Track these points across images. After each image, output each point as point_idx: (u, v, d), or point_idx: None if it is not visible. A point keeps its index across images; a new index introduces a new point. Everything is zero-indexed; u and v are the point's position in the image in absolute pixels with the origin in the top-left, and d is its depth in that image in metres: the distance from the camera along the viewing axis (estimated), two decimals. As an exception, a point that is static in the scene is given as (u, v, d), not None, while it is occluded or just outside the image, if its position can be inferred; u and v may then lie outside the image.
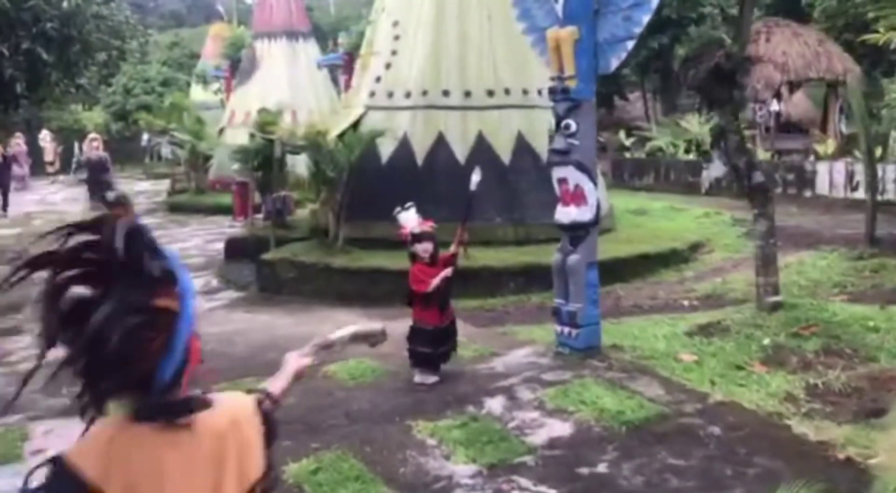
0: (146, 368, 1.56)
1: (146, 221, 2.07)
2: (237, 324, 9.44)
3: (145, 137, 34.88)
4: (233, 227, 17.63)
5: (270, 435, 1.76)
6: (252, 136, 13.29)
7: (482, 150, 11.40)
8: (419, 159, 11.46)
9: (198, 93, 32.24)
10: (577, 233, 6.70)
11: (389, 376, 6.59)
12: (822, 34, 23.51)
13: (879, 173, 15.81)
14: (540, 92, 11.83)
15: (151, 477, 1.57)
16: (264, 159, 12.98)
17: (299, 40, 23.46)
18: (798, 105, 27.51)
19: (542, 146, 11.58)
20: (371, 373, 6.66)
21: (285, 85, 22.02)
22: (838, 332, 7.13)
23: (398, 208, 6.38)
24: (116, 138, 38.21)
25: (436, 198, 11.22)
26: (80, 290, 1.55)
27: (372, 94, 12.10)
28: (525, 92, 11.74)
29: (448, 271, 6.17)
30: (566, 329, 6.80)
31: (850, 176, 15.73)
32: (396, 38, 12.03)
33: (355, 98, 12.65)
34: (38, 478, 1.58)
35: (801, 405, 5.57)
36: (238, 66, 24.71)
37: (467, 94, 11.59)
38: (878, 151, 17.26)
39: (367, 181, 11.31)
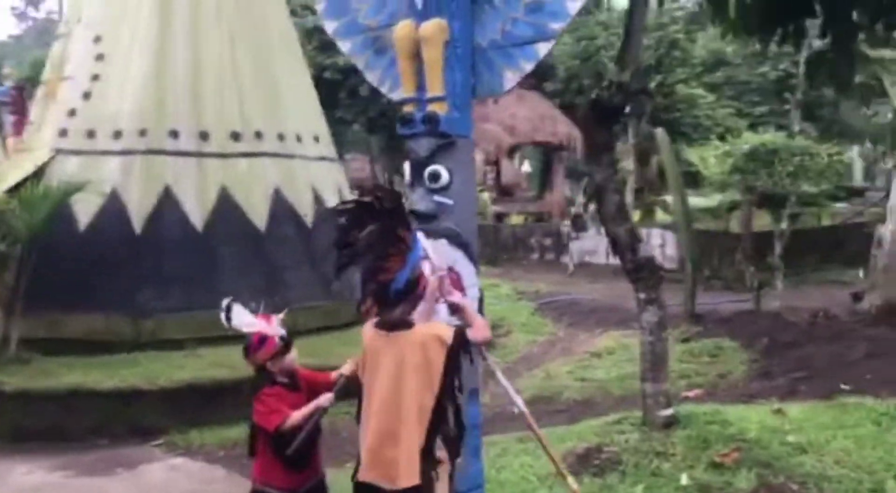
0: (387, 279, 2.81)
1: None
2: None
3: None
4: None
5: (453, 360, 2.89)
6: None
7: (227, 211, 8.53)
8: (137, 225, 8.26)
9: None
10: (449, 344, 4.20)
11: None
12: (546, 99, 23.65)
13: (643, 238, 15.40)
14: (299, 138, 9.31)
15: (373, 358, 2.96)
16: None
17: (-60, 73, 18.43)
18: (507, 168, 27.65)
19: (305, 207, 9.04)
20: None
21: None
22: (763, 456, 5.43)
23: (226, 301, 3.94)
24: None
25: (163, 279, 8.14)
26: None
27: (63, 132, 8.67)
28: (281, 137, 9.10)
29: (326, 399, 3.77)
30: (435, 499, 4.23)
31: (613, 242, 14.98)
32: (99, 57, 8.79)
33: (36, 138, 9.05)
34: None
35: None
36: None
37: (204, 136, 8.66)
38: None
39: (56, 256, 7.89)
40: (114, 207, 8.24)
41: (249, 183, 8.71)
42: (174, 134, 8.53)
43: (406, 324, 2.97)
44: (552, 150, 23.99)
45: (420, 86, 4.12)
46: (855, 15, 6.22)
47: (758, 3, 6.42)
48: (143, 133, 8.46)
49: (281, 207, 8.80)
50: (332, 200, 9.54)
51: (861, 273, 10.59)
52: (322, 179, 9.51)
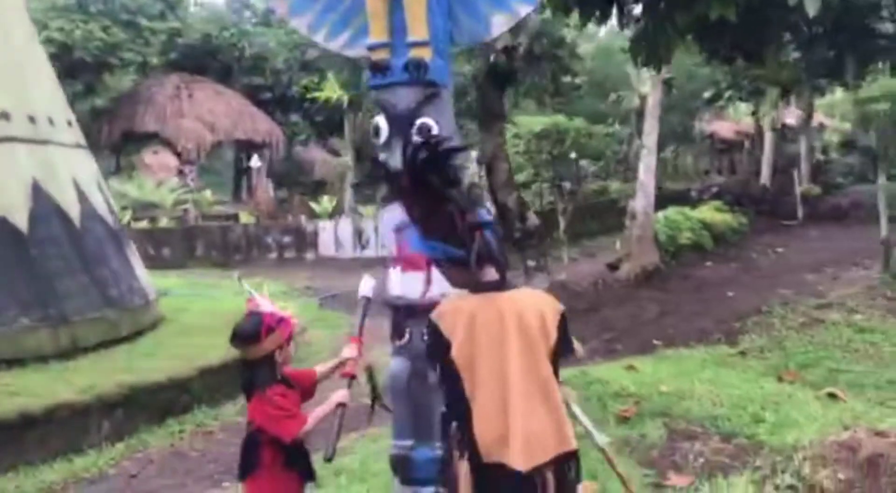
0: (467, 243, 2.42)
1: None
2: None
3: None
4: None
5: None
6: None
7: (-23, 210, 6.88)
8: None
9: None
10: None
11: None
12: (242, 97, 22.78)
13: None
14: (52, 121, 7.88)
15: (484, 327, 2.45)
16: None
17: None
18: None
19: (70, 203, 7.69)
20: None
21: None
22: (654, 407, 5.81)
23: (237, 273, 4.14)
24: None
25: None
26: None
27: None
28: (32, 120, 7.56)
29: (343, 396, 3.29)
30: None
31: (357, 234, 14.81)
32: None
33: None
34: None
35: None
36: None
37: (-67, 117, 6.89)
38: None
39: None
40: None
41: (1, 174, 7.11)
42: None
43: (509, 283, 2.59)
44: (252, 147, 23.10)
45: (388, 29, 3.67)
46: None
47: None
48: None
49: (43, 203, 7.30)
50: (94, 196, 8.18)
51: (617, 244, 11.73)
52: (82, 170, 8.09)
